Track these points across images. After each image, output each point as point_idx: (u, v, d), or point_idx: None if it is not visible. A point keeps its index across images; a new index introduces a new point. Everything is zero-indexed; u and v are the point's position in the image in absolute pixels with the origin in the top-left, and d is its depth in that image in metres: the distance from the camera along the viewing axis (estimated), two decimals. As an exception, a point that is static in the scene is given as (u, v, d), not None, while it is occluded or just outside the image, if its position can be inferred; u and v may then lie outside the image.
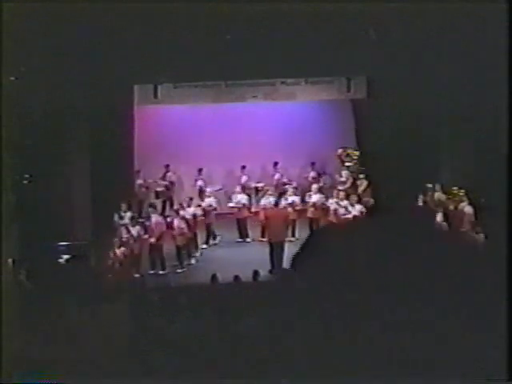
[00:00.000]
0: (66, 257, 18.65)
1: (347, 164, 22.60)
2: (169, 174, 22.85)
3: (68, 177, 19.93)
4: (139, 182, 22.50)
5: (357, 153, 22.47)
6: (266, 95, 21.84)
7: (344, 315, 3.43)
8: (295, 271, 3.61)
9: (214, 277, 16.04)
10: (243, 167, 22.91)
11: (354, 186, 22.18)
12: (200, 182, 22.51)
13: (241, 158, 22.88)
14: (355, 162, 22.60)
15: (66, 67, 18.40)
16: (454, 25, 18.50)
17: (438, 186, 20.67)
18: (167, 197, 22.58)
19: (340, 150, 22.85)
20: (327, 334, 3.42)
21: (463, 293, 3.48)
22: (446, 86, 20.03)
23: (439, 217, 18.70)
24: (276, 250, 19.25)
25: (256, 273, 16.37)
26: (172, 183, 22.83)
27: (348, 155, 22.66)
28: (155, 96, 21.12)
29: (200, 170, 22.70)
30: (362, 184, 22.04)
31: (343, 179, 22.52)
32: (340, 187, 22.00)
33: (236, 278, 15.79)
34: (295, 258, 3.70)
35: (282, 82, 21.60)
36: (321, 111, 23.40)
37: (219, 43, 18.84)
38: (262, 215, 20.52)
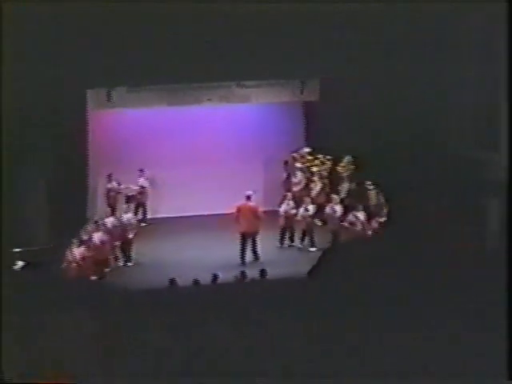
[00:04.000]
0: (20, 263, 18.31)
1: (300, 166, 22.64)
2: (141, 179, 22.42)
3: (23, 180, 19.59)
4: (109, 186, 22.15)
5: (320, 156, 22.41)
6: (221, 98, 21.83)
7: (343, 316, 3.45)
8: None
9: (172, 281, 16.04)
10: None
11: (308, 188, 22.26)
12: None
13: (202, 161, 22.69)
14: (308, 164, 22.63)
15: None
16: (454, 24, 18.61)
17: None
18: (139, 202, 22.14)
19: (294, 153, 22.90)
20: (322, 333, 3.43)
21: (463, 294, 3.53)
22: (446, 86, 20.02)
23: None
24: (248, 241, 19.94)
25: (215, 276, 16.48)
26: (143, 188, 22.40)
27: (302, 157, 22.71)
28: (109, 100, 20.95)
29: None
30: (316, 186, 22.11)
31: (297, 181, 22.58)
32: (294, 188, 22.12)
33: (196, 281, 15.83)
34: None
35: (237, 85, 21.63)
36: (275, 113, 23.43)
37: (174, 46, 18.83)
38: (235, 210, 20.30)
